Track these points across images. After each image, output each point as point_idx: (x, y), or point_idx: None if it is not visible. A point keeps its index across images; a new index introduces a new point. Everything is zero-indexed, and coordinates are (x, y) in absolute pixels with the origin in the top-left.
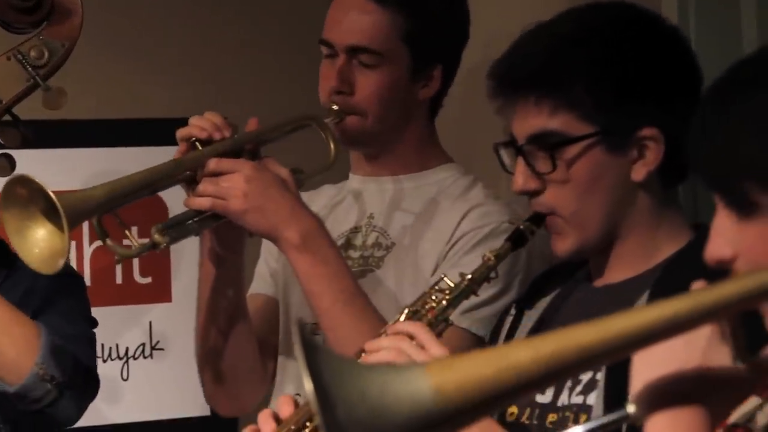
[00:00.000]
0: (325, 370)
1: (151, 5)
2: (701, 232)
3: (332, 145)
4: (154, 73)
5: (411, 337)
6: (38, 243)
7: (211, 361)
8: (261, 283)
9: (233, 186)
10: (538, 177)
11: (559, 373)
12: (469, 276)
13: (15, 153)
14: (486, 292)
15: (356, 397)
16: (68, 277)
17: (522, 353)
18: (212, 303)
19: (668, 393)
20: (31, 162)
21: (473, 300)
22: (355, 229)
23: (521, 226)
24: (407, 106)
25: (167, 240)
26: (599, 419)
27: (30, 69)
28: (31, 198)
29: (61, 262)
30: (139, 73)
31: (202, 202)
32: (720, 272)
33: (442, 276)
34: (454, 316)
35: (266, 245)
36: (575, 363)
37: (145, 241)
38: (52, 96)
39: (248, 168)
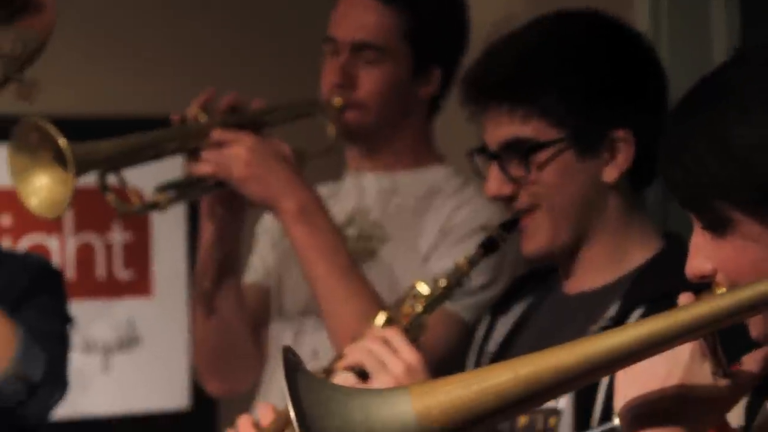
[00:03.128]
0: (308, 396)
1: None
2: (670, 242)
3: (332, 130)
4: (135, 70)
5: (386, 342)
6: (41, 189)
7: (207, 337)
8: (254, 273)
9: (236, 154)
10: (512, 182)
11: (539, 394)
12: (443, 283)
13: None
14: (477, 280)
15: (340, 424)
16: (47, 272)
17: (502, 375)
18: (211, 278)
19: (650, 411)
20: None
21: (465, 285)
22: (350, 220)
23: (494, 233)
24: (406, 103)
25: (167, 199)
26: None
27: (3, 61)
28: (41, 145)
29: (61, 210)
30: (119, 70)
31: (205, 168)
32: (689, 285)
33: (415, 284)
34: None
35: (262, 233)
36: (555, 384)
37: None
38: (26, 88)
39: (251, 139)
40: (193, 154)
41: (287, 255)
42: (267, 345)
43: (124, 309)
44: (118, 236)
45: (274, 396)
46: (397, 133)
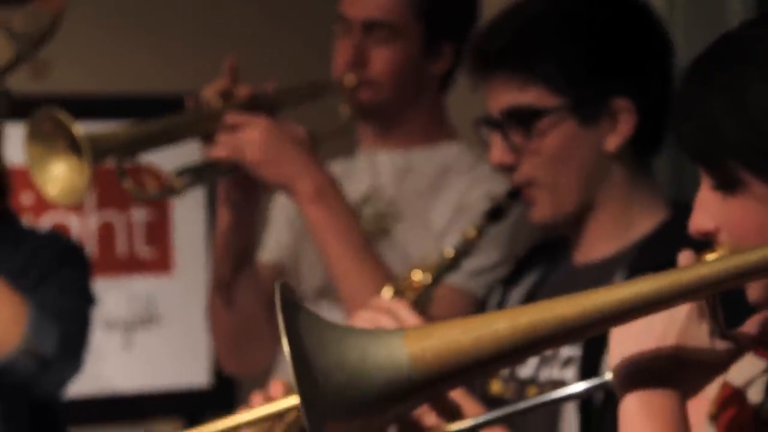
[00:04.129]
0: (304, 332)
1: None
2: (677, 212)
3: (346, 111)
4: (148, 48)
5: (393, 314)
6: (59, 177)
7: (224, 321)
8: (269, 251)
9: (251, 138)
10: (514, 150)
11: (536, 344)
12: (451, 252)
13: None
14: (491, 256)
15: (334, 362)
16: (71, 250)
17: (501, 323)
18: (228, 261)
19: (644, 370)
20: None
21: (480, 262)
22: (365, 199)
23: (499, 201)
24: (419, 80)
25: (183, 184)
26: (578, 384)
27: (16, 40)
28: (56, 134)
29: (80, 197)
30: (133, 48)
31: (220, 151)
32: (699, 248)
33: (424, 256)
34: (462, 277)
35: (276, 212)
36: (553, 335)
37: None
38: (39, 67)
39: (266, 122)
40: (208, 138)
41: (302, 234)
42: None
43: (145, 286)
44: (138, 214)
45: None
46: (410, 110)
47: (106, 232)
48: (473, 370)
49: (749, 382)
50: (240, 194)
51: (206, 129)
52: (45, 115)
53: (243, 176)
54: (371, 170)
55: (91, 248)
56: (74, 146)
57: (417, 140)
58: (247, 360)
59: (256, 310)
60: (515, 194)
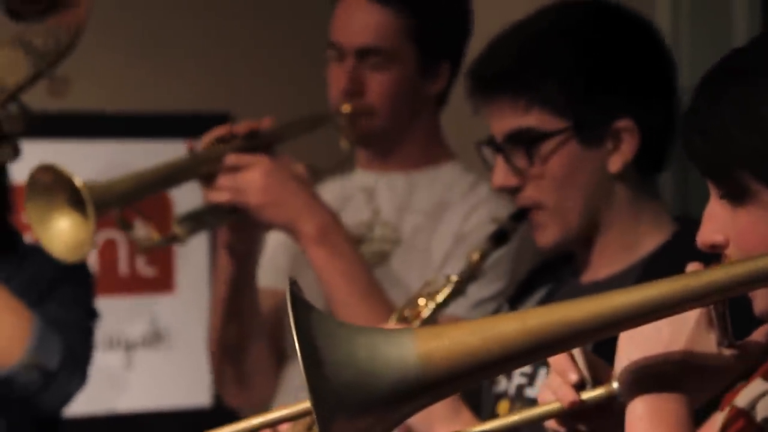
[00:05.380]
0: (314, 329)
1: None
2: (683, 227)
3: (345, 143)
4: (165, 67)
5: None
6: (62, 233)
7: (225, 357)
8: (267, 276)
9: (252, 180)
10: (517, 173)
11: (545, 346)
12: (455, 278)
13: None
14: (494, 286)
15: (344, 359)
16: (75, 265)
17: (510, 325)
18: (228, 299)
19: (651, 375)
20: (39, 153)
21: (482, 293)
22: (365, 224)
23: (504, 225)
24: (416, 102)
25: (186, 232)
26: (585, 392)
27: (35, 57)
28: (56, 187)
29: (86, 251)
30: (150, 67)
31: (221, 196)
32: (707, 261)
33: (429, 281)
34: (465, 308)
35: (276, 237)
36: (561, 338)
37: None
38: (57, 84)
39: (266, 163)
40: (208, 180)
41: (299, 257)
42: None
43: (147, 306)
44: (140, 232)
45: (292, 397)
46: (408, 132)
47: (108, 251)
48: (482, 370)
49: (754, 402)
50: (241, 236)
51: (206, 170)
52: (43, 169)
53: (244, 218)
54: (370, 195)
55: (93, 267)
56: (75, 199)
57: (416, 162)
58: (249, 390)
59: (260, 353)
60: (519, 217)
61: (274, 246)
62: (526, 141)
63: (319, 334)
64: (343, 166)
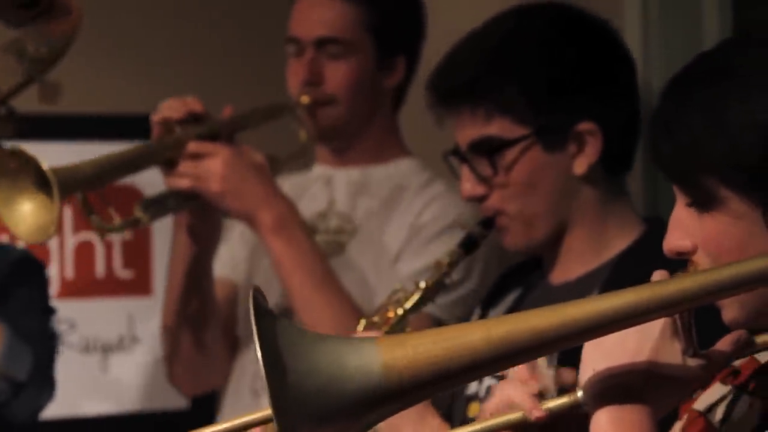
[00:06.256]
0: (277, 338)
1: (144, 4)
2: (652, 228)
3: (304, 134)
4: (150, 69)
5: None
6: (27, 215)
7: (177, 340)
8: (223, 266)
9: (212, 168)
10: (483, 182)
11: (510, 355)
12: (423, 284)
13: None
14: (464, 287)
15: (307, 368)
16: (26, 263)
17: (474, 334)
18: (185, 281)
19: (615, 385)
20: None
21: (456, 293)
22: (320, 215)
23: (473, 231)
24: (374, 94)
25: (148, 216)
26: (547, 401)
27: (27, 62)
28: (21, 170)
29: (51, 233)
30: (136, 69)
31: (182, 182)
32: (674, 267)
33: (398, 287)
34: (435, 307)
35: (234, 228)
36: (526, 346)
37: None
38: (48, 90)
39: (227, 152)
40: (169, 166)
41: (257, 250)
42: (237, 336)
43: (124, 308)
44: (117, 235)
45: (244, 385)
46: (366, 127)
47: (84, 253)
48: (446, 380)
49: (712, 406)
50: (200, 221)
51: (169, 156)
52: (9, 152)
53: (204, 205)
54: (327, 187)
55: (70, 269)
56: (40, 182)
57: (372, 158)
58: (201, 378)
59: (209, 329)
60: (487, 224)
61: (232, 237)
62: (488, 150)
63: (281, 344)
64: (302, 156)
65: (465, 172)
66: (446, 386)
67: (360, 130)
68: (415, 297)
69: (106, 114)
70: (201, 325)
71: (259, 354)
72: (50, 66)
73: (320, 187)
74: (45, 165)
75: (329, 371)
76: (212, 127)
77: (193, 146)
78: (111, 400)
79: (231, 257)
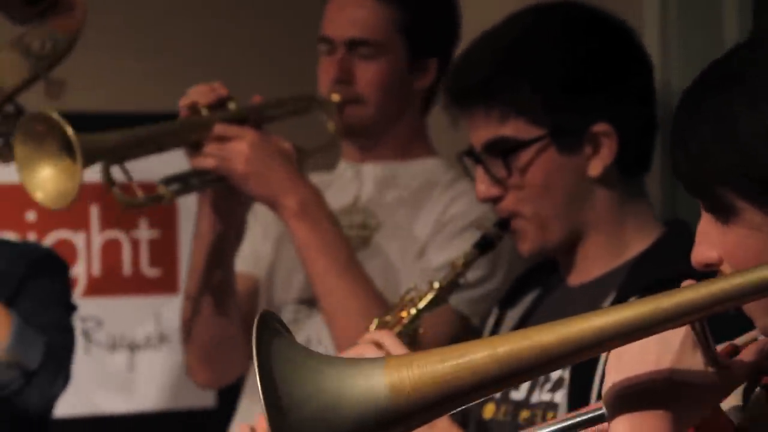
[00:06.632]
0: (279, 361)
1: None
2: (670, 229)
3: (332, 125)
4: (162, 67)
5: (379, 345)
6: (48, 180)
7: (196, 329)
8: (245, 261)
9: (238, 150)
10: (498, 183)
11: (516, 373)
12: (437, 284)
13: None
14: (473, 274)
15: (309, 392)
16: (48, 260)
17: (480, 352)
18: (205, 269)
19: (635, 393)
20: None
21: (476, 291)
22: (345, 210)
23: (489, 232)
24: (404, 96)
25: (171, 193)
26: (573, 416)
27: (32, 59)
28: (48, 134)
29: (69, 200)
30: (145, 67)
31: (207, 162)
32: (687, 272)
33: (412, 286)
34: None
35: (257, 224)
36: (533, 364)
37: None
38: (54, 87)
39: (253, 135)
40: (195, 147)
41: (279, 244)
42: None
43: (151, 306)
44: (144, 233)
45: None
46: (394, 126)
47: (111, 252)
48: (453, 400)
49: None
50: (224, 204)
51: (195, 138)
52: (38, 116)
53: (228, 187)
54: (354, 180)
55: (96, 267)
56: (65, 148)
57: (399, 155)
58: (219, 371)
59: (229, 319)
60: (503, 225)
61: (254, 233)
62: (503, 151)
63: (284, 367)
64: (330, 149)
65: (479, 173)
66: (454, 406)
67: (387, 129)
68: (429, 297)
69: (111, 112)
70: (221, 316)
71: (258, 378)
72: (56, 64)
73: (347, 181)
74: (70, 130)
75: (332, 394)
76: (240, 112)
77: (219, 128)
78: (137, 399)
79: (253, 252)
